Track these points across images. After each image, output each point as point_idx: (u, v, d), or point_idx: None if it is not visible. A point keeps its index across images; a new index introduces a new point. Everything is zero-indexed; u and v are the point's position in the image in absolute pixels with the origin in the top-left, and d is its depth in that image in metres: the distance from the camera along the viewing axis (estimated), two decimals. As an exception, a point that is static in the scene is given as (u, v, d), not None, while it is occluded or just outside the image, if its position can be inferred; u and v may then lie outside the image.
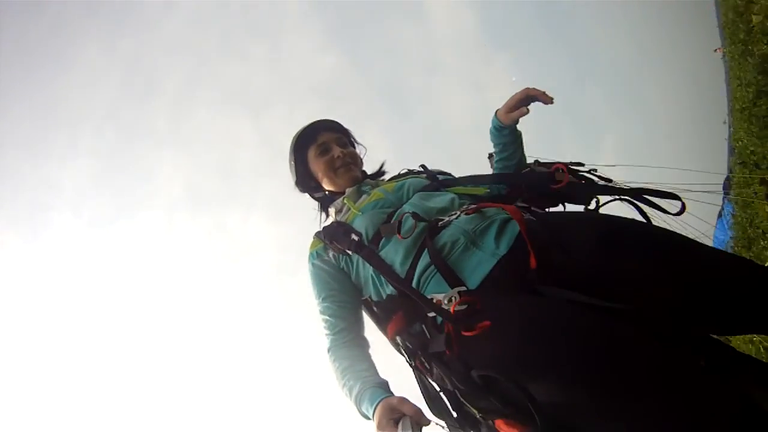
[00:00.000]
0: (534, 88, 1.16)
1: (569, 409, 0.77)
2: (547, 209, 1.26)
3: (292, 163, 1.50)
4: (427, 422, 0.93)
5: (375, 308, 1.21)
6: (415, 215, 1.11)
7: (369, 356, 1.19)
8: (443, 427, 0.95)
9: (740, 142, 5.72)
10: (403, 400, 0.97)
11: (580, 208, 1.24)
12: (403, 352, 1.10)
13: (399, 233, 1.09)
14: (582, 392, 0.75)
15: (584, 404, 0.75)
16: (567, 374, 0.76)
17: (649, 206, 1.09)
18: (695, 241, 0.97)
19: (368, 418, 1.01)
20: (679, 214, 1.11)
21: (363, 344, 1.21)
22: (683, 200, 1.08)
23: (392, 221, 1.16)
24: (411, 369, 1.10)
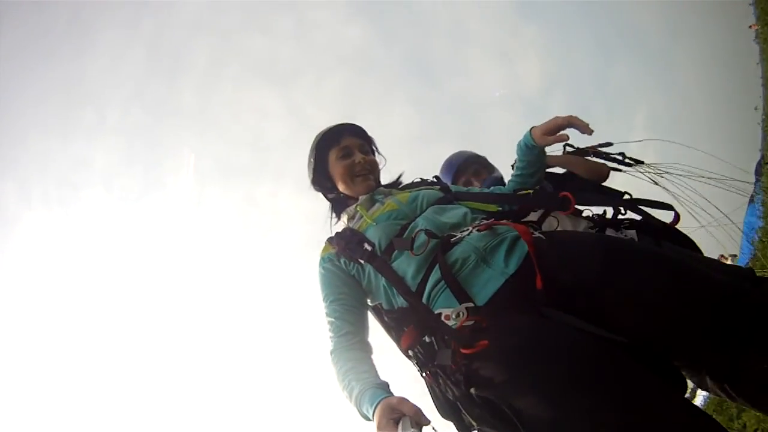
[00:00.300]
0: (577, 118, 1.17)
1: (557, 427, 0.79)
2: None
3: (312, 160, 1.49)
4: (427, 422, 0.92)
5: (386, 317, 1.22)
6: (428, 232, 1.12)
7: (371, 360, 1.19)
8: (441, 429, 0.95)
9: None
10: (403, 400, 0.98)
11: None
12: (414, 362, 1.12)
13: (411, 250, 1.10)
14: (572, 413, 0.77)
15: (573, 424, 0.77)
16: (558, 397, 0.79)
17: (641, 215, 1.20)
18: (694, 260, 1.01)
19: (369, 419, 1.02)
20: (673, 224, 1.19)
21: (366, 348, 1.22)
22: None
23: (405, 235, 1.18)
24: (422, 377, 1.12)
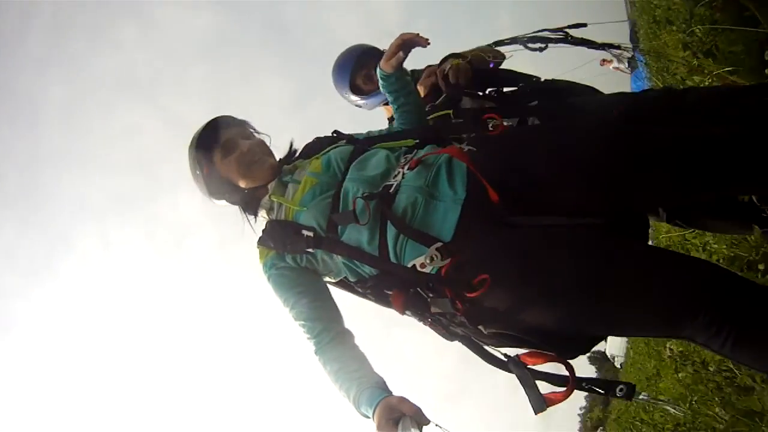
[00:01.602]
0: (407, 33, 1.21)
1: (577, 323, 0.91)
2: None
3: (198, 173, 1.29)
4: (427, 421, 0.92)
5: (359, 288, 1.19)
6: (364, 195, 1.05)
7: (357, 351, 1.15)
8: (442, 428, 0.95)
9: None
10: (403, 400, 0.97)
11: None
12: (414, 316, 1.09)
13: (358, 222, 1.04)
14: (584, 306, 0.88)
15: (590, 315, 0.90)
16: (565, 299, 0.87)
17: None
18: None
19: (369, 418, 1.00)
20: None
21: (347, 339, 1.16)
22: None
23: (341, 206, 1.10)
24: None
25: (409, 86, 1.31)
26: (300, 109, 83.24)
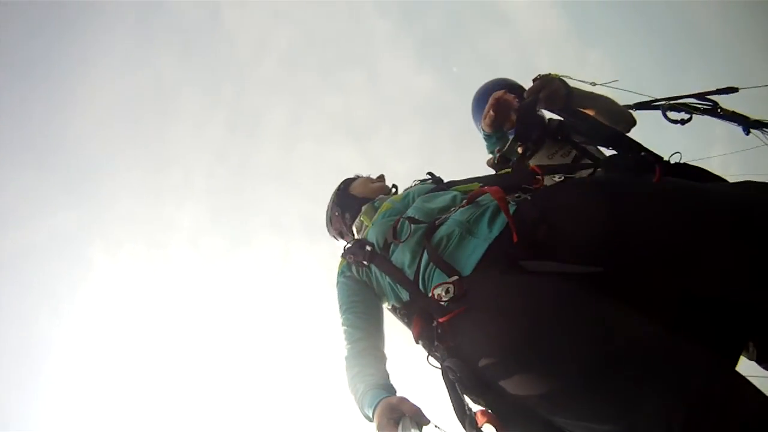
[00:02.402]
0: (498, 92, 1.33)
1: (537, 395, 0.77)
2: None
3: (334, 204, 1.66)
4: (427, 422, 0.93)
5: (399, 314, 1.25)
6: (411, 219, 1.15)
7: (381, 364, 1.19)
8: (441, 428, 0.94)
9: None
10: (403, 400, 0.98)
11: None
12: (424, 348, 1.09)
13: (395, 238, 1.14)
14: (544, 378, 0.76)
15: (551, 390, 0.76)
16: (526, 360, 0.77)
17: None
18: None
19: (371, 420, 1.02)
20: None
21: (377, 354, 1.22)
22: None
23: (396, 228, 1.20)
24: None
25: (510, 147, 1.39)
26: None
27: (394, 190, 1.56)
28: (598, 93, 1.53)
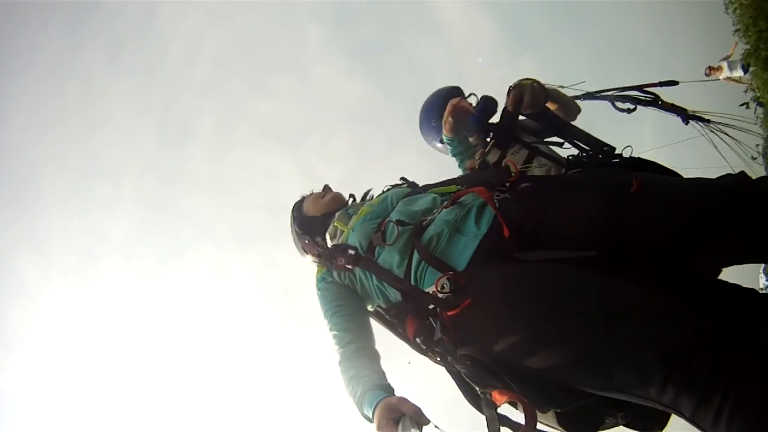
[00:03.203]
0: (454, 99, 1.46)
1: (542, 364, 0.82)
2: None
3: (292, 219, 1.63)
4: (427, 421, 0.94)
5: (387, 316, 1.27)
6: (398, 222, 1.17)
7: (376, 364, 1.21)
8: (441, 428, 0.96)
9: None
10: (403, 400, 0.99)
11: None
12: (424, 349, 1.12)
13: (384, 242, 1.15)
14: (545, 337, 0.82)
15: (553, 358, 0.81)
16: (536, 335, 0.82)
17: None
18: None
19: (370, 420, 1.02)
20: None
21: (371, 354, 1.23)
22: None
23: (382, 231, 1.21)
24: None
25: (471, 149, 1.45)
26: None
27: (351, 199, 1.57)
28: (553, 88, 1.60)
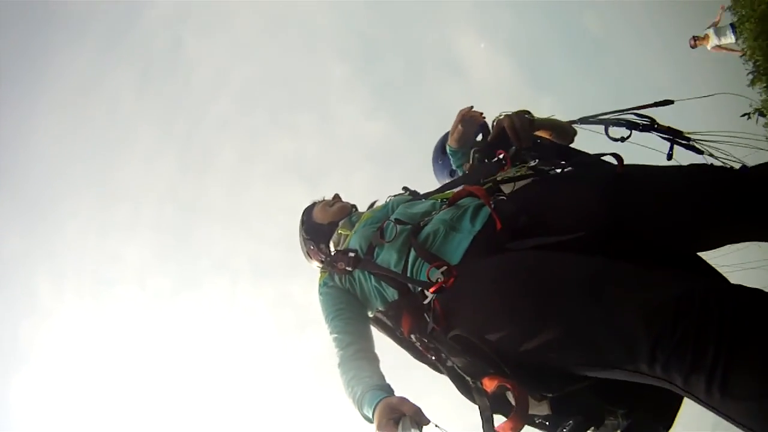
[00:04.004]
0: (465, 108, 1.41)
1: (532, 344, 0.83)
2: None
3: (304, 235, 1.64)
4: (427, 421, 0.94)
5: (385, 318, 1.28)
6: (397, 221, 1.21)
7: (375, 365, 1.22)
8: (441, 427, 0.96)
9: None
10: (403, 400, 0.99)
11: None
12: (420, 346, 1.13)
13: (382, 239, 1.19)
14: (532, 315, 0.83)
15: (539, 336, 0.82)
16: (522, 314, 0.85)
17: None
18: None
19: (370, 421, 1.03)
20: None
21: (371, 357, 1.25)
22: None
23: (379, 230, 1.26)
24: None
25: (467, 153, 1.46)
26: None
27: (354, 209, 1.61)
28: (548, 118, 1.60)
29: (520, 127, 1.29)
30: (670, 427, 0.98)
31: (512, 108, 1.38)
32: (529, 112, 1.40)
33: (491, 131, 1.35)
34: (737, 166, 1.19)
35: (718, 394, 0.61)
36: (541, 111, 1.46)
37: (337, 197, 1.66)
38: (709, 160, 1.25)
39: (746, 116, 5.23)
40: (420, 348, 1.14)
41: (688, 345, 0.63)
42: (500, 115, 1.33)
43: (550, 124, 1.56)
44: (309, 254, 1.60)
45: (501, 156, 1.27)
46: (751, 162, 1.16)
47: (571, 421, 0.89)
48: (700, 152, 1.33)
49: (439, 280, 0.98)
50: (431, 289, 0.98)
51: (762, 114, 5.27)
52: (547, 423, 0.94)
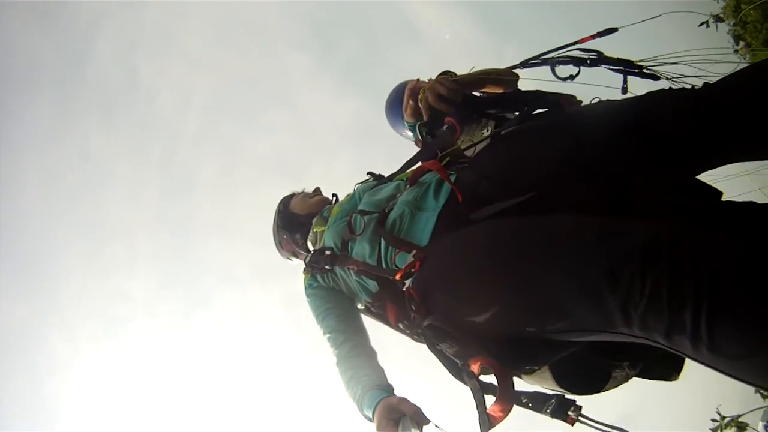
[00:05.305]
0: (411, 81, 1.40)
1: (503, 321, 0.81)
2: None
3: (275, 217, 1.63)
4: (427, 421, 0.93)
5: (373, 309, 1.26)
6: (362, 212, 1.18)
7: (374, 362, 1.21)
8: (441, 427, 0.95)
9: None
10: (403, 400, 0.99)
11: None
12: (406, 329, 1.12)
13: (352, 233, 1.16)
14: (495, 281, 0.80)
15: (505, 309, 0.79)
16: (481, 274, 0.83)
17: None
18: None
19: (371, 421, 1.02)
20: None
21: (367, 353, 1.24)
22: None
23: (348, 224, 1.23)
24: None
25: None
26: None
27: (334, 199, 1.58)
28: (480, 70, 1.52)
29: (444, 93, 1.21)
30: (681, 369, 0.96)
31: (477, 63, 1.35)
32: (452, 73, 1.34)
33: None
34: (700, 84, 1.11)
35: (707, 353, 0.55)
36: (505, 62, 1.40)
37: (318, 190, 1.64)
38: (667, 85, 1.19)
39: (704, 25, 5.11)
40: (410, 335, 1.11)
41: (661, 300, 0.56)
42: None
43: (481, 77, 1.48)
44: (281, 244, 1.57)
45: (448, 123, 1.22)
46: (713, 77, 1.07)
47: (553, 400, 0.84)
48: (656, 78, 1.26)
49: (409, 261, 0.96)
50: (397, 276, 0.96)
51: (720, 20, 5.16)
52: (530, 404, 0.88)
